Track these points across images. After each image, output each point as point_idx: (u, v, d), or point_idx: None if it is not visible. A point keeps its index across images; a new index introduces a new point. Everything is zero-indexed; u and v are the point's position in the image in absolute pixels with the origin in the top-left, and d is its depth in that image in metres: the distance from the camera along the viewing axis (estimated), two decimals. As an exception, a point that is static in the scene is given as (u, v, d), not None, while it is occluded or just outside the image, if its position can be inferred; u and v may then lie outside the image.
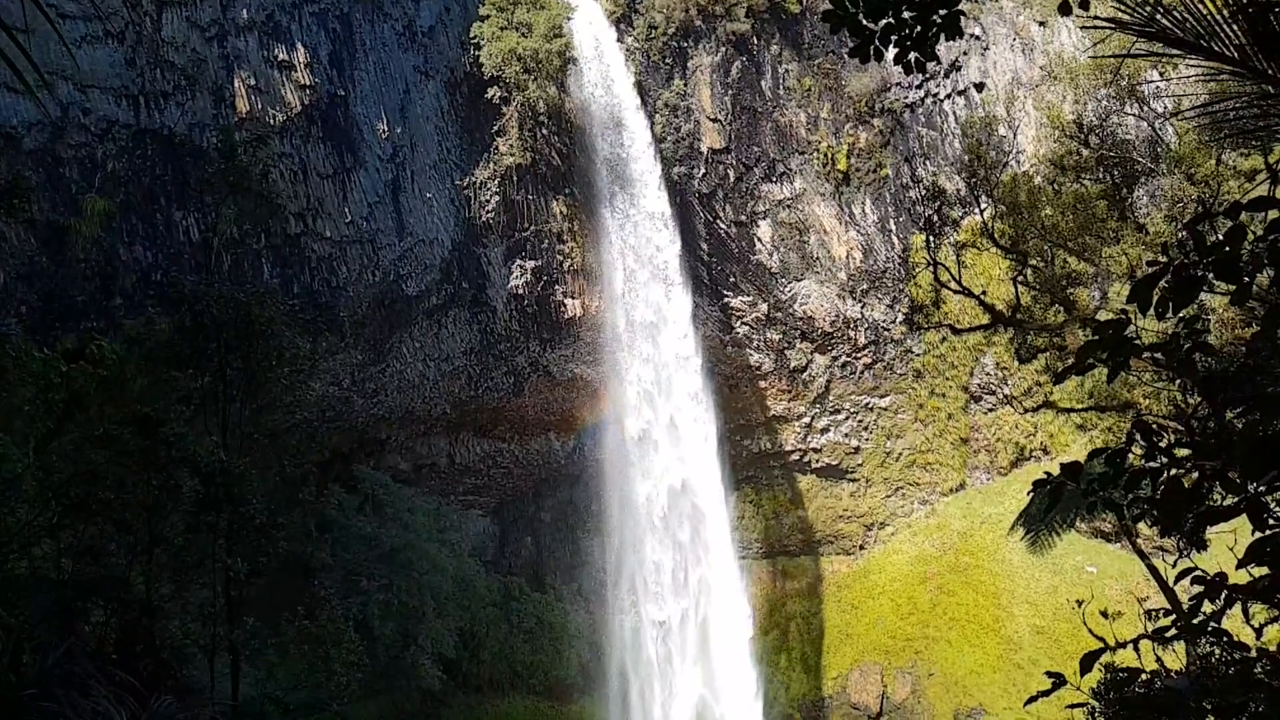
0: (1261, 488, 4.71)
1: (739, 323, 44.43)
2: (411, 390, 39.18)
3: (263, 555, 20.31)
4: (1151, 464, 4.91)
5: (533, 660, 40.08)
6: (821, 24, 34.56)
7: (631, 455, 40.41)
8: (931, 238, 35.97)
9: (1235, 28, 5.04)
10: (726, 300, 44.05)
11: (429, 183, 37.30)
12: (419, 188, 37.12)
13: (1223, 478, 4.74)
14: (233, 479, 18.50)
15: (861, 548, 46.74)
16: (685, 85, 41.39)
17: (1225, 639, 5.27)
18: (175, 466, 17.86)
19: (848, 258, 44.43)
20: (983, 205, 29.91)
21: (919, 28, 5.83)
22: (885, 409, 46.19)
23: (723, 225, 43.01)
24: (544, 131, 38.57)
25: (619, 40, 40.48)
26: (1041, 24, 44.67)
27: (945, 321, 39.97)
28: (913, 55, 5.96)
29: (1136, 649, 5.74)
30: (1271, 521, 4.74)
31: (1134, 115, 27.42)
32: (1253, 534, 4.74)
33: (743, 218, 43.08)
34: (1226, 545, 5.82)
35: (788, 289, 44.19)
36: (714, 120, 41.74)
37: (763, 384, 45.42)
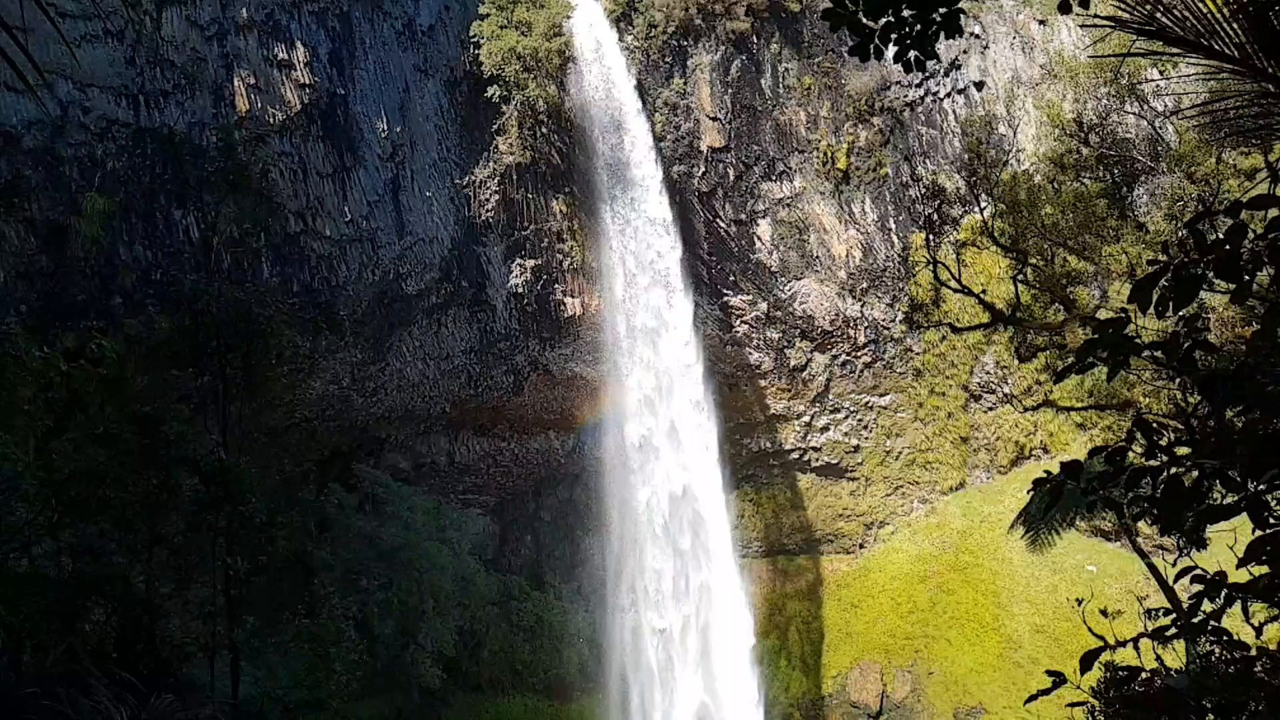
0: (1262, 486, 4.71)
1: (739, 321, 44.42)
2: (411, 389, 39.19)
3: (262, 554, 20.30)
4: (1151, 462, 4.90)
5: (533, 659, 40.07)
6: (821, 22, 34.59)
7: (632, 461, 40.29)
8: (931, 236, 35.90)
9: (1235, 26, 5.04)
10: (726, 299, 44.04)
11: (429, 181, 37.30)
12: (419, 186, 37.12)
13: (1223, 476, 4.74)
14: (233, 478, 18.48)
15: (861, 546, 46.74)
16: (685, 84, 41.36)
17: (1225, 638, 5.28)
18: (175, 465, 17.85)
19: (847, 256, 44.42)
20: (983, 204, 29.87)
21: (919, 26, 5.83)
22: (885, 408, 46.18)
23: (722, 224, 43.00)
24: (544, 130, 38.56)
25: (619, 41, 40.45)
26: (1041, 22, 44.65)
27: (945, 320, 39.89)
28: (913, 54, 5.95)
29: (1136, 648, 5.75)
30: (1272, 520, 4.74)
31: (1134, 114, 27.38)
32: (1253, 532, 4.74)
33: (742, 216, 43.07)
34: (1226, 544, 5.82)
35: (787, 288, 44.18)
36: (714, 119, 41.72)
37: (762, 383, 45.41)
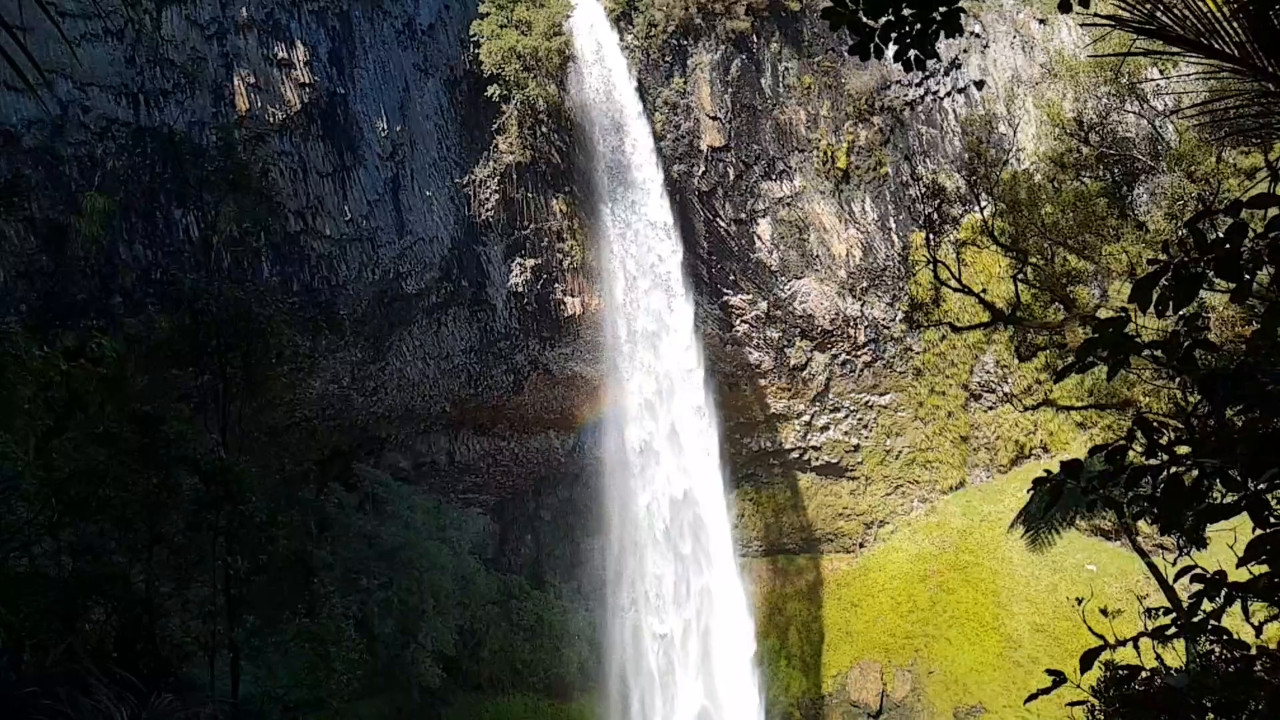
0: (1262, 485, 4.71)
1: (739, 321, 44.42)
2: (411, 388, 39.18)
3: (263, 553, 20.30)
4: (1151, 461, 4.90)
5: (533, 658, 40.08)
6: (821, 21, 34.58)
7: (633, 466, 40.19)
8: (931, 235, 35.87)
9: (1235, 25, 5.04)
10: (726, 298, 44.04)
11: (428, 181, 37.30)
12: (419, 186, 37.12)
13: (1223, 475, 4.74)
14: (233, 477, 18.49)
15: (861, 546, 46.74)
16: (685, 83, 41.35)
17: (1225, 637, 5.28)
18: (175, 464, 17.86)
19: (847, 255, 44.42)
20: (983, 203, 29.85)
21: (919, 25, 5.83)
22: (885, 407, 46.18)
23: (722, 223, 42.99)
24: (544, 129, 38.55)
25: (619, 40, 40.44)
26: (1042, 21, 44.63)
27: (945, 319, 39.90)
28: (913, 53, 5.95)
29: (1136, 647, 5.75)
30: (1272, 519, 4.74)
31: (1134, 113, 27.38)
32: (1253, 531, 4.74)
33: (742, 216, 43.06)
34: (1226, 543, 5.82)
35: (787, 287, 44.18)
36: (714, 118, 41.71)
37: (762, 382, 45.41)
